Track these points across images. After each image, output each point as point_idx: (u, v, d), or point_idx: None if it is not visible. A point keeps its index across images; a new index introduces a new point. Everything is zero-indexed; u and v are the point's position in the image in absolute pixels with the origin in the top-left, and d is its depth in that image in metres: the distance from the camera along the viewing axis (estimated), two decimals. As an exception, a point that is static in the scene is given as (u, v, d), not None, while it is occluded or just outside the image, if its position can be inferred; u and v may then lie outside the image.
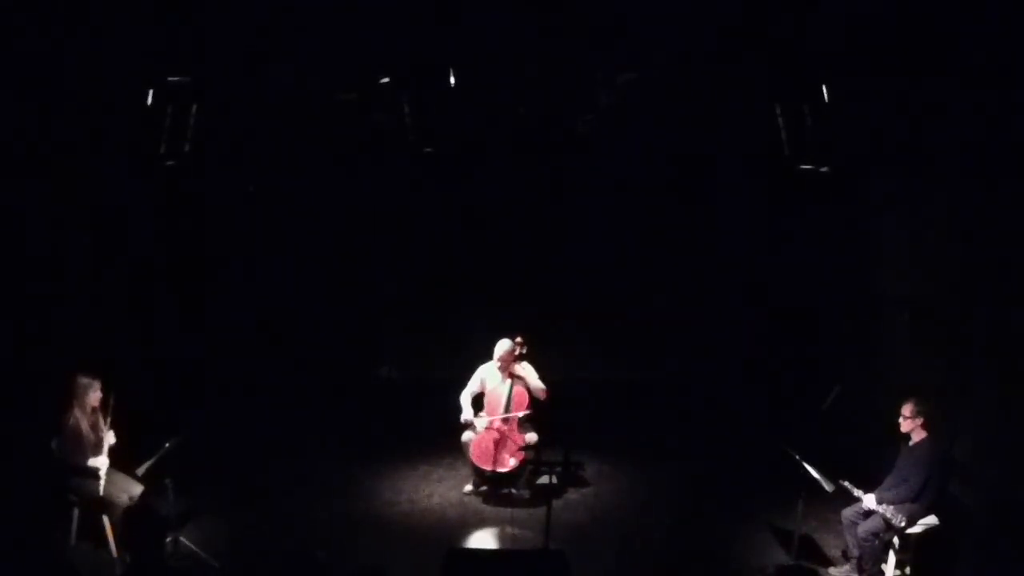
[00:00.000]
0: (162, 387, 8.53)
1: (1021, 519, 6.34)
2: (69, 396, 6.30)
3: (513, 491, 7.61)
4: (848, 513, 6.41)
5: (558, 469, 7.76)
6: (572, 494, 7.76)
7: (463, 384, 7.68)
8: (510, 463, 7.40)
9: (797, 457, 6.20)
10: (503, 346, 7.48)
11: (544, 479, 7.66)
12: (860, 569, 6.35)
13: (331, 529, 6.96)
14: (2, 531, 6.41)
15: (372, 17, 6.11)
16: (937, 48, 5.98)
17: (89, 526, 6.33)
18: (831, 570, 6.56)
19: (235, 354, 9.54)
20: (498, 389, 7.53)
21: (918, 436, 6.28)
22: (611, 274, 9.91)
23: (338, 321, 9.88)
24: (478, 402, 7.65)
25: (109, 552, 6.27)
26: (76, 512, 6.37)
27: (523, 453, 7.42)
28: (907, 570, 6.26)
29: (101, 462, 6.24)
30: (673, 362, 10.09)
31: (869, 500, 6.24)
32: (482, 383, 7.65)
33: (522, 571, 5.66)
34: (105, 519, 6.25)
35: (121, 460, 6.39)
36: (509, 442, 7.40)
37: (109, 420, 6.35)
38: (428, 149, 7.05)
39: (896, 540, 6.22)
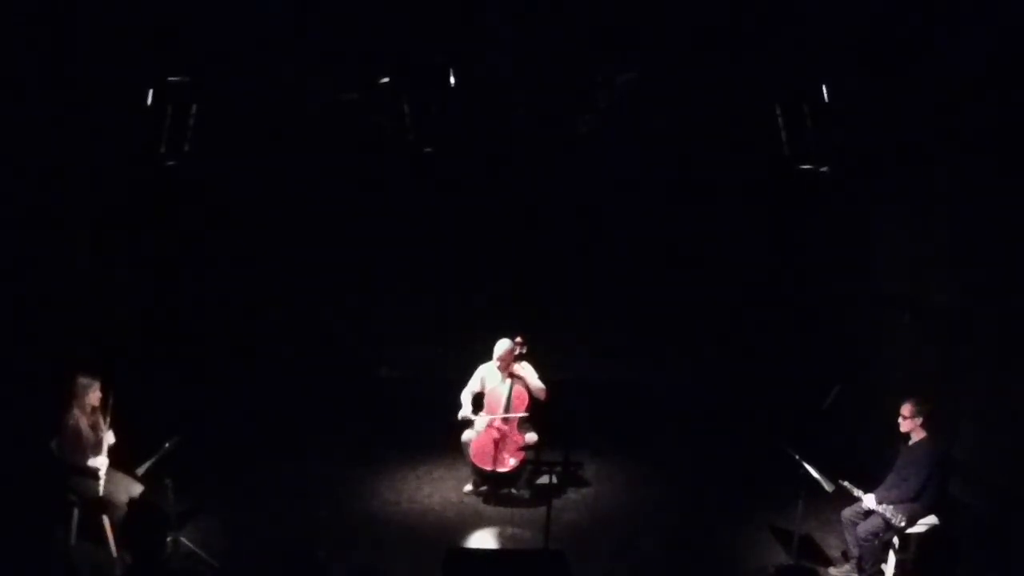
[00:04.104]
0: (162, 387, 8.52)
1: (1021, 519, 6.34)
2: (69, 396, 6.29)
3: (513, 491, 7.61)
4: (848, 513, 6.41)
5: (558, 469, 7.75)
6: (572, 494, 7.77)
7: (463, 384, 7.68)
8: (510, 463, 7.40)
9: (797, 457, 6.19)
10: (503, 346, 7.48)
11: (544, 479, 7.67)
12: (860, 569, 6.35)
13: (331, 529, 6.96)
14: (2, 531, 6.41)
15: (373, 17, 6.12)
16: (937, 48, 5.99)
17: (89, 526, 6.32)
18: (831, 570, 6.56)
19: (235, 354, 9.54)
20: (498, 389, 7.53)
21: (918, 436, 6.28)
22: (611, 274, 9.91)
23: (337, 321, 9.87)
24: (478, 402, 7.64)
25: (109, 552, 6.27)
26: (76, 512, 6.36)
27: (523, 453, 7.42)
28: (907, 570, 6.26)
29: (101, 462, 6.24)
30: (673, 362, 10.08)
31: (869, 500, 6.23)
32: (482, 383, 7.65)
33: (522, 571, 5.66)
34: (105, 519, 6.24)
35: (121, 460, 6.38)
36: (509, 442, 7.40)
37: (109, 420, 6.35)
38: (428, 149, 7.04)
39: (896, 540, 6.23)
